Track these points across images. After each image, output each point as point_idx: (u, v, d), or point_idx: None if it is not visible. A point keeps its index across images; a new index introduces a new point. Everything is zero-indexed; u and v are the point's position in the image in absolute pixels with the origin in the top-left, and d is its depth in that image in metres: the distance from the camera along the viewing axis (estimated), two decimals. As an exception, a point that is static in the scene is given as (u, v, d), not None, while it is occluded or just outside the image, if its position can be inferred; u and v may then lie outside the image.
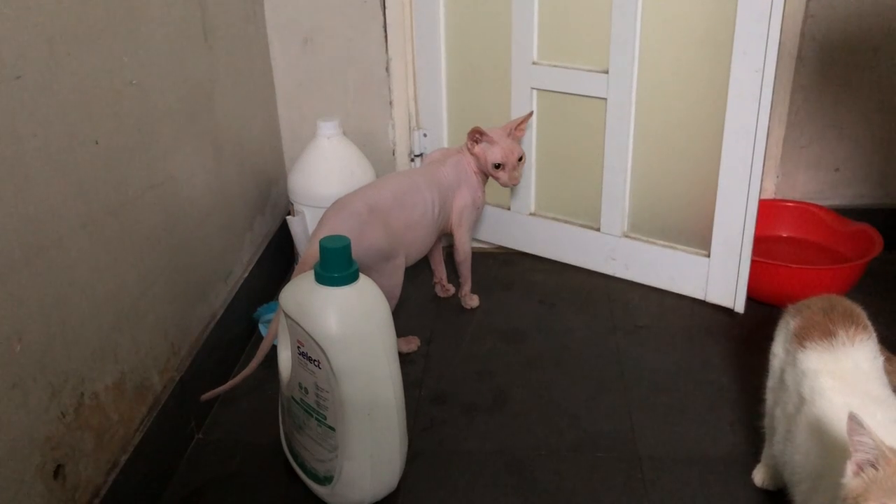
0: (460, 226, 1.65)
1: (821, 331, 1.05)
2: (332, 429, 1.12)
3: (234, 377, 1.33)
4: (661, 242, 1.76)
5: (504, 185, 1.65)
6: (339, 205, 1.45)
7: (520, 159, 1.64)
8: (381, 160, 1.90)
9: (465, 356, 1.57)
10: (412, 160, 1.95)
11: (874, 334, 1.07)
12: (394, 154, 1.93)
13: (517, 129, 1.66)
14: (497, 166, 1.62)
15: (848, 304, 1.11)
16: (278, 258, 1.83)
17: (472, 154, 1.64)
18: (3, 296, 0.90)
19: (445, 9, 1.81)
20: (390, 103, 1.88)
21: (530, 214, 1.90)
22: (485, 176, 1.67)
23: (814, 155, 1.91)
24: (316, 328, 1.08)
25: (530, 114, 1.70)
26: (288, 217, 1.75)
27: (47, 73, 0.98)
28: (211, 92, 1.49)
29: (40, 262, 0.96)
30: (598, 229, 1.82)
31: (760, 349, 1.20)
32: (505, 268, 1.91)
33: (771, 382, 1.16)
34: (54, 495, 0.98)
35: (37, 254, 0.96)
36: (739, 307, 1.66)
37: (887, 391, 1.00)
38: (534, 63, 1.75)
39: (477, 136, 1.62)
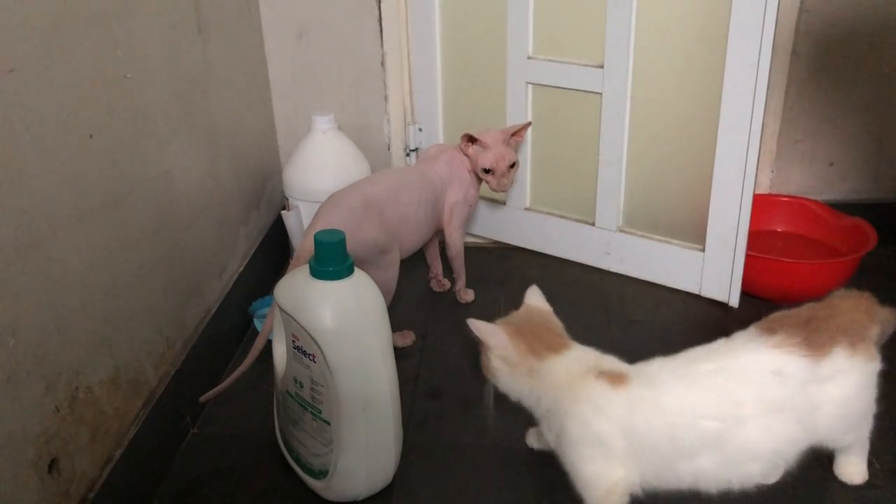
0: (451, 222, 1.65)
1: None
2: (328, 423, 1.12)
3: (228, 374, 1.33)
4: (656, 237, 1.76)
5: (493, 190, 1.65)
6: (334, 199, 1.45)
7: (512, 166, 1.63)
8: (376, 155, 1.90)
9: (461, 351, 1.57)
10: (407, 155, 1.94)
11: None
12: (389, 149, 1.93)
13: (515, 135, 1.65)
14: (486, 171, 1.62)
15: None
16: (273, 253, 1.83)
17: (465, 154, 1.65)
18: (-3, 290, 0.90)
19: (441, 3, 1.80)
20: (385, 98, 1.88)
21: (525, 209, 1.90)
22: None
23: (808, 149, 1.91)
24: (311, 322, 1.08)
25: (528, 123, 1.69)
26: (283, 212, 1.75)
27: (41, 66, 0.97)
28: (205, 86, 1.48)
29: (34, 256, 0.96)
30: (593, 224, 1.82)
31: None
32: (500, 262, 1.91)
33: None
34: (49, 489, 0.98)
35: (31, 247, 0.95)
36: (734, 301, 1.66)
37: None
38: (529, 58, 1.75)
39: (469, 140, 1.62)
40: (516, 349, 1.08)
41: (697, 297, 1.72)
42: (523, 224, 1.92)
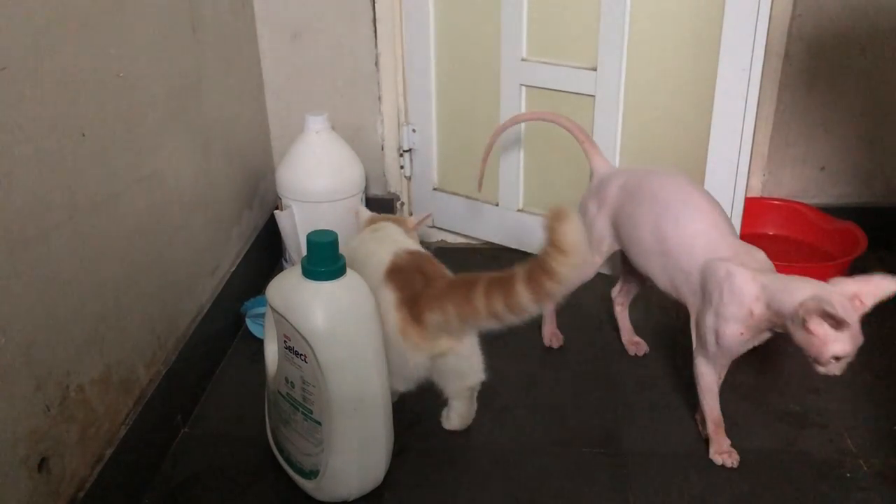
0: (696, 340, 1.30)
1: None
2: (319, 423, 1.12)
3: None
4: (648, 239, 1.76)
5: (820, 373, 1.11)
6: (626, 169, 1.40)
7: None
8: (369, 155, 1.90)
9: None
10: (401, 155, 1.95)
11: None
12: (382, 149, 1.93)
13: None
14: (836, 358, 1.08)
15: None
16: (266, 253, 1.83)
17: (803, 328, 1.09)
18: (-12, 288, 0.90)
19: (435, 4, 1.81)
20: (379, 98, 1.88)
21: (518, 210, 1.90)
22: (769, 327, 1.18)
23: (800, 153, 1.92)
24: (302, 323, 1.08)
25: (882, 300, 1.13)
26: (276, 211, 1.75)
27: (33, 64, 0.97)
28: (199, 85, 1.48)
29: (26, 255, 0.96)
30: (585, 226, 1.82)
31: (744, 346, 1.21)
32: (492, 263, 1.90)
33: None
34: (39, 488, 0.98)
35: (22, 246, 0.95)
36: (725, 304, 1.66)
37: None
38: (523, 59, 1.75)
39: (829, 318, 1.05)
40: None
41: (689, 300, 1.72)
42: (515, 225, 1.92)
